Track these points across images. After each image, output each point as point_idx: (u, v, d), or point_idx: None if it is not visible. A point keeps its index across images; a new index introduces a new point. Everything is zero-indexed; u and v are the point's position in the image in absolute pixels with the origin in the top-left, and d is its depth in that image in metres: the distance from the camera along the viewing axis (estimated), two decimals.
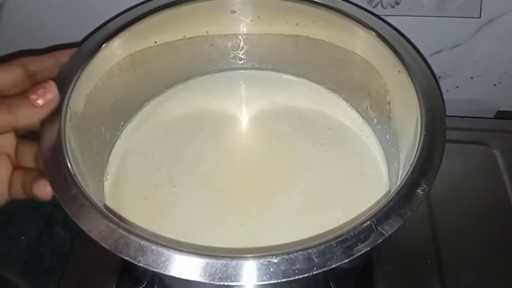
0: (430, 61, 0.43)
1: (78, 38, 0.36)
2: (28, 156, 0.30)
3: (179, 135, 0.39)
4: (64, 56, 0.32)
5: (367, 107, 0.40)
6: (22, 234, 0.40)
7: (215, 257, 0.23)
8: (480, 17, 0.40)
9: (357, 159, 0.38)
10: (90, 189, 0.30)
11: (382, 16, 0.40)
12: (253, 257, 0.23)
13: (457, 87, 0.47)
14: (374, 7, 0.40)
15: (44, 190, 0.27)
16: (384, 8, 0.40)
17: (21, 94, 0.28)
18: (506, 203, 0.41)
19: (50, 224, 0.42)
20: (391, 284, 0.37)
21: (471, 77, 0.46)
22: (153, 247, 0.24)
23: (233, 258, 0.23)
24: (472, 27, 0.41)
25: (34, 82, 0.31)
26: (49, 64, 0.32)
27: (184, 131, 0.40)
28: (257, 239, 0.34)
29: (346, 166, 0.38)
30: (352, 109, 0.41)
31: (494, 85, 0.47)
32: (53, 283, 0.38)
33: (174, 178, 0.37)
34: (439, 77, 0.46)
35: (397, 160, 0.35)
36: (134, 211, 0.35)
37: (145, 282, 0.36)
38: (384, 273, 0.38)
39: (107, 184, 0.36)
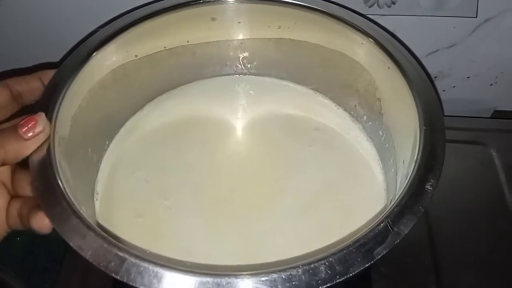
0: (426, 60, 0.43)
1: (57, 55, 0.35)
2: (25, 184, 0.28)
3: (166, 146, 0.38)
4: (48, 77, 0.31)
5: (356, 105, 0.40)
6: (17, 235, 0.40)
7: (209, 275, 0.22)
8: (476, 17, 0.40)
9: (347, 157, 0.38)
10: (83, 209, 0.28)
11: (378, 16, 0.40)
12: (248, 275, 0.22)
13: (454, 86, 0.47)
14: (370, 7, 0.40)
15: (41, 223, 0.25)
16: (380, 8, 0.40)
17: (11, 127, 0.27)
18: (503, 203, 0.41)
19: None
20: (387, 285, 0.37)
21: (468, 77, 0.46)
22: (168, 272, 0.22)
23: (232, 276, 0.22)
24: (469, 26, 0.41)
25: (20, 103, 0.30)
26: (34, 85, 0.31)
27: (171, 142, 0.38)
28: (257, 247, 0.33)
29: (338, 165, 0.38)
30: (339, 108, 0.41)
31: (491, 84, 0.47)
32: (48, 284, 0.38)
33: (165, 192, 0.35)
34: (436, 76, 0.46)
35: (393, 156, 0.35)
36: (128, 230, 0.33)
37: None
38: (381, 274, 0.38)
39: (98, 205, 0.35)
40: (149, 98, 0.41)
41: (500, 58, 0.44)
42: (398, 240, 0.24)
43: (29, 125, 0.27)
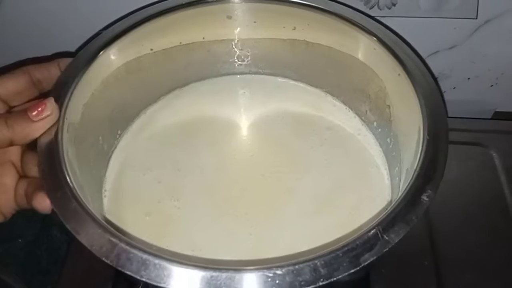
0: (427, 62, 0.43)
1: (73, 46, 0.36)
2: (33, 166, 0.30)
3: (177, 145, 0.39)
4: (66, 64, 0.32)
5: (367, 111, 0.39)
6: (19, 237, 0.40)
7: (216, 269, 0.23)
8: (476, 18, 0.40)
9: (357, 158, 0.38)
10: (90, 204, 0.29)
11: (378, 18, 0.40)
12: (252, 270, 0.23)
13: (454, 88, 0.47)
14: (370, 8, 0.40)
15: (43, 203, 0.26)
16: (380, 9, 0.40)
17: (22, 110, 0.28)
18: (503, 204, 0.41)
19: (46, 227, 0.41)
20: (387, 286, 0.37)
21: (468, 78, 0.46)
22: (156, 261, 0.23)
23: (234, 270, 0.23)
24: (469, 28, 0.41)
25: (39, 89, 0.31)
26: (53, 72, 0.32)
27: (181, 141, 0.39)
28: (268, 247, 0.33)
29: (348, 166, 0.38)
30: (350, 111, 0.41)
31: (491, 86, 0.47)
32: (49, 286, 0.38)
33: (176, 192, 0.36)
34: (436, 78, 0.46)
35: (398, 164, 0.34)
36: (137, 228, 0.34)
37: (140, 285, 0.35)
38: (381, 275, 0.37)
39: (106, 201, 0.35)
40: (163, 93, 0.42)
41: (500, 59, 0.44)
42: (387, 249, 0.24)
43: (39, 109, 0.28)
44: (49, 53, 0.41)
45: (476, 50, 0.43)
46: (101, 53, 0.34)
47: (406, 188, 0.26)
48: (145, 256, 0.23)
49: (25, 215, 0.40)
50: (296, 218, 0.34)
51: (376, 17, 0.40)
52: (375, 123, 0.39)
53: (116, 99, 0.37)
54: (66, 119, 0.29)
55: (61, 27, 0.41)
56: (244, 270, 0.22)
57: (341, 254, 0.23)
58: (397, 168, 0.35)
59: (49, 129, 0.28)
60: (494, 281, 0.37)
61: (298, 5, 0.37)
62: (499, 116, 0.50)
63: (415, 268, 0.38)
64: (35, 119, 0.28)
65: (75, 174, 0.29)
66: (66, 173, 0.27)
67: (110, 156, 0.38)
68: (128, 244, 0.24)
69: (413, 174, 0.27)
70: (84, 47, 0.34)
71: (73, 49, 0.40)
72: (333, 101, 0.42)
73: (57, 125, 0.29)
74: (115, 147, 0.38)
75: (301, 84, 0.43)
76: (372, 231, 0.24)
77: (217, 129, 0.40)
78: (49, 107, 0.28)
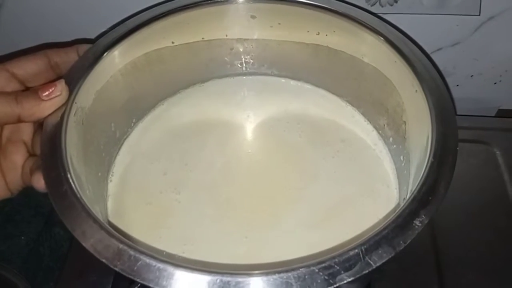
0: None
1: (94, 33, 0.37)
2: None
3: (188, 141, 0.39)
4: (84, 50, 0.33)
5: (384, 125, 0.38)
6: (21, 234, 0.41)
7: (218, 274, 0.22)
8: (479, 15, 0.39)
9: (369, 173, 0.37)
10: (88, 186, 0.30)
11: (380, 15, 0.39)
12: (201, 271, 0.22)
13: (458, 85, 0.46)
14: (372, 5, 0.39)
15: (38, 182, 0.27)
16: (382, 6, 0.39)
17: (33, 89, 0.29)
18: (507, 202, 0.40)
19: (49, 224, 0.42)
20: (389, 284, 0.36)
21: (472, 75, 0.45)
22: (159, 264, 0.23)
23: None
24: (472, 24, 0.40)
25: (58, 73, 0.32)
26: (72, 56, 0.33)
27: (193, 137, 0.39)
28: (261, 253, 0.33)
29: (357, 181, 0.36)
30: (368, 124, 0.40)
31: (495, 83, 0.46)
32: (52, 283, 0.39)
33: (179, 185, 0.36)
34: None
35: (406, 184, 0.33)
36: (136, 215, 0.35)
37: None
38: (382, 273, 0.37)
39: (112, 185, 0.36)
40: (182, 86, 0.42)
41: (504, 56, 0.43)
42: (367, 271, 0.23)
43: (50, 90, 0.29)
44: (69, 39, 0.42)
45: (479, 47, 0.42)
46: (121, 42, 0.34)
47: (399, 211, 0.25)
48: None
49: (27, 213, 0.42)
50: (294, 228, 0.34)
51: (378, 14, 0.39)
52: (391, 139, 0.37)
53: (133, 88, 0.38)
54: (75, 103, 0.30)
55: (83, 14, 0.42)
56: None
57: (316, 270, 0.22)
58: (405, 187, 0.33)
59: (57, 110, 0.29)
60: (496, 279, 0.37)
61: (324, 10, 0.36)
62: (502, 113, 0.49)
63: (417, 266, 0.37)
64: (44, 98, 0.28)
65: (77, 156, 0.29)
66: (64, 154, 0.27)
67: (122, 143, 0.39)
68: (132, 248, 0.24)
69: (410, 197, 0.25)
70: (104, 34, 0.35)
71: (93, 36, 0.41)
72: (353, 112, 0.41)
73: (65, 107, 0.29)
74: (129, 135, 0.39)
75: (322, 91, 0.42)
76: (354, 251, 0.23)
77: (231, 129, 0.40)
78: (59, 88, 0.29)
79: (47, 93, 0.29)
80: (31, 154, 0.31)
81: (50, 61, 0.32)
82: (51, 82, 0.30)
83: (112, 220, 0.34)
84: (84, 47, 0.33)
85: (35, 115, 0.29)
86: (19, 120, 0.29)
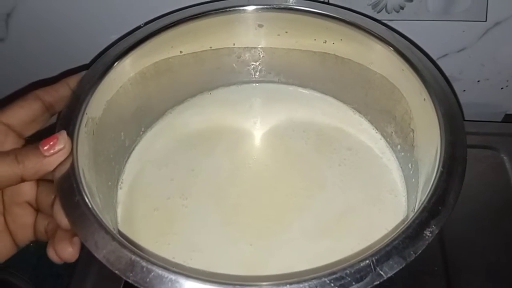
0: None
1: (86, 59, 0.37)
2: (47, 195, 0.29)
3: (195, 148, 0.39)
4: (75, 82, 0.32)
5: (392, 132, 0.38)
6: (31, 241, 0.40)
7: (230, 285, 0.23)
8: (486, 21, 0.39)
9: (376, 182, 0.37)
10: (99, 195, 0.30)
11: (386, 21, 0.39)
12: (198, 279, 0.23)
13: (464, 90, 0.46)
14: (378, 12, 0.39)
15: (65, 251, 0.27)
16: (388, 13, 0.39)
17: (33, 145, 0.28)
18: None
19: None
20: None
21: (478, 81, 0.45)
22: (171, 276, 0.23)
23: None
24: (478, 30, 0.40)
25: (52, 113, 0.31)
26: (63, 92, 0.31)
27: (201, 144, 0.39)
28: (266, 261, 0.33)
29: (364, 190, 0.36)
30: (377, 132, 0.40)
31: (502, 88, 0.46)
32: None
33: (186, 191, 0.36)
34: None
35: (415, 193, 0.33)
36: (144, 222, 0.35)
37: None
38: (390, 280, 0.36)
39: (121, 193, 0.36)
40: (190, 94, 0.42)
41: (510, 61, 0.43)
42: (378, 282, 0.23)
43: (50, 143, 0.27)
44: (57, 72, 0.43)
45: (485, 53, 0.42)
46: (130, 52, 0.35)
47: (409, 221, 0.25)
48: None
49: None
50: (300, 237, 0.34)
51: (384, 21, 0.39)
52: (399, 146, 0.37)
53: (142, 97, 0.38)
54: (86, 113, 0.31)
55: (76, 40, 0.42)
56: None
57: (327, 281, 0.23)
58: (414, 196, 0.33)
59: (65, 160, 0.28)
60: (505, 285, 0.36)
61: (331, 18, 0.36)
62: (509, 118, 0.49)
63: (425, 273, 0.37)
64: (46, 153, 0.27)
65: (90, 167, 0.30)
66: (76, 166, 0.27)
67: (132, 152, 0.39)
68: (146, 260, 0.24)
69: (420, 207, 0.25)
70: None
71: (87, 61, 0.41)
72: (360, 119, 0.41)
73: (76, 119, 0.30)
74: (138, 143, 0.40)
75: (329, 98, 0.42)
76: (365, 262, 0.23)
77: (238, 136, 0.40)
78: (62, 141, 0.27)
79: (48, 147, 0.27)
80: (38, 210, 0.30)
81: (43, 103, 0.30)
82: (52, 135, 0.28)
83: (121, 228, 0.34)
84: (75, 79, 0.32)
85: (38, 173, 0.27)
86: (22, 181, 0.27)
